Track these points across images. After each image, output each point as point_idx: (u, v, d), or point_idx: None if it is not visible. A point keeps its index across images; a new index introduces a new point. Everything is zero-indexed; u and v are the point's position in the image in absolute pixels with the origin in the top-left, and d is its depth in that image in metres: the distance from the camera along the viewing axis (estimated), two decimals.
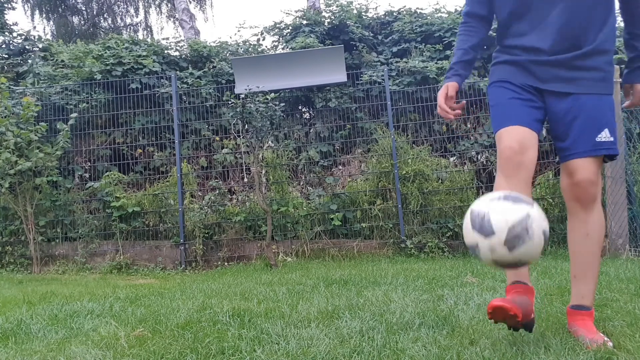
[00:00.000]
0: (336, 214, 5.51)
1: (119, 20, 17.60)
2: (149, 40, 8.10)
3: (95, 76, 6.22)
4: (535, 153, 1.71)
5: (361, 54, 6.87)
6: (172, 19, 17.44)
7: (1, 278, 4.87)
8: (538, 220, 1.45)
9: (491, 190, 6.15)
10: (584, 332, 1.61)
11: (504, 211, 1.45)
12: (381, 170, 5.65)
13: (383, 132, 5.91)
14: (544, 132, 5.77)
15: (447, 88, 1.85)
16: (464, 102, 1.94)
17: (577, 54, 1.70)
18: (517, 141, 1.68)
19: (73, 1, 16.71)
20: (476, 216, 1.48)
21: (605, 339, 1.57)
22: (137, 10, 17.66)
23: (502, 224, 1.42)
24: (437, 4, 13.63)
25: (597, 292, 2.40)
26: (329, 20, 7.24)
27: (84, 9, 17.02)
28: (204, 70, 6.75)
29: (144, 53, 6.68)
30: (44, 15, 16.32)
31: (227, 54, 7.13)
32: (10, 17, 14.68)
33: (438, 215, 5.44)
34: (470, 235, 1.51)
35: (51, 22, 16.44)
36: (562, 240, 5.07)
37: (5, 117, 5.40)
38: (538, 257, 1.52)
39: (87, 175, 5.99)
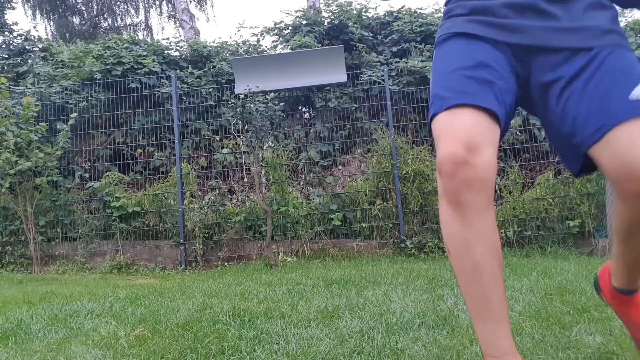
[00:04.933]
0: (336, 214, 5.51)
1: (119, 20, 17.62)
2: (148, 40, 8.11)
3: (95, 76, 6.22)
4: (494, 153, 1.05)
5: (361, 54, 6.87)
6: (172, 19, 17.44)
7: (1, 278, 4.87)
8: None
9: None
10: None
11: None
12: (381, 170, 5.65)
13: (383, 132, 5.91)
14: (543, 133, 5.77)
15: None
16: None
17: None
18: (463, 140, 1.02)
19: (73, 1, 16.70)
20: None
21: None
22: (137, 10, 17.67)
23: None
24: (437, 4, 13.64)
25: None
26: (328, 20, 7.24)
27: (84, 9, 17.01)
28: (204, 70, 6.75)
29: (144, 53, 6.68)
30: (44, 15, 16.32)
31: (227, 54, 7.14)
32: (10, 17, 14.69)
33: (438, 215, 5.43)
34: None
35: (51, 22, 16.45)
36: (562, 241, 5.07)
37: (5, 117, 5.40)
38: None
39: (87, 175, 6.00)
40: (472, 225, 1.04)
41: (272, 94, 5.26)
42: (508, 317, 1.07)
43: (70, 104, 6.11)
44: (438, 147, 1.07)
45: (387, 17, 7.62)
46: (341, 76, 6.14)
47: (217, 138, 6.20)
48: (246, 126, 5.25)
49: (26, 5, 16.04)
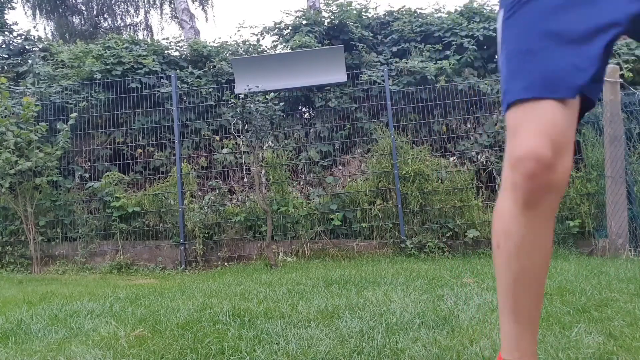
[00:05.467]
0: (336, 214, 5.51)
1: (119, 20, 17.61)
2: (148, 40, 8.11)
3: (95, 76, 6.22)
4: (571, 153, 0.96)
5: (361, 54, 6.87)
6: (172, 19, 17.45)
7: (1, 278, 4.87)
8: None
9: (491, 190, 6.06)
10: None
11: None
12: (381, 170, 5.65)
13: (383, 132, 5.91)
14: None
15: None
16: None
17: None
18: (551, 139, 0.91)
19: (73, 1, 16.70)
20: None
21: None
22: (137, 10, 17.67)
23: None
24: (437, 4, 13.64)
25: (597, 292, 2.41)
26: (328, 20, 7.24)
27: (84, 9, 17.01)
28: (204, 70, 6.75)
29: (144, 53, 6.68)
30: (44, 15, 16.32)
31: (227, 54, 7.14)
32: (10, 16, 14.67)
33: (438, 215, 5.44)
34: None
35: (51, 22, 16.45)
36: (562, 241, 5.07)
37: (5, 117, 5.40)
38: None
39: (87, 175, 6.00)
40: (536, 229, 0.99)
41: (272, 94, 5.26)
42: (538, 323, 1.06)
43: (70, 104, 6.11)
44: (515, 138, 0.95)
45: (387, 17, 7.62)
46: (341, 76, 6.14)
47: (217, 138, 6.20)
48: (246, 126, 5.25)
49: (26, 5, 16.04)
